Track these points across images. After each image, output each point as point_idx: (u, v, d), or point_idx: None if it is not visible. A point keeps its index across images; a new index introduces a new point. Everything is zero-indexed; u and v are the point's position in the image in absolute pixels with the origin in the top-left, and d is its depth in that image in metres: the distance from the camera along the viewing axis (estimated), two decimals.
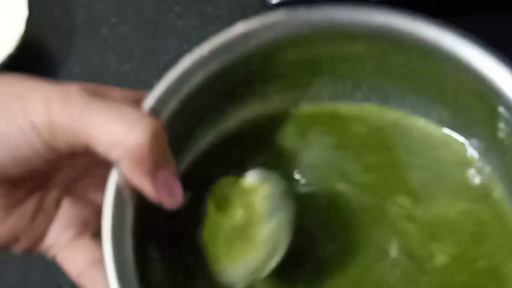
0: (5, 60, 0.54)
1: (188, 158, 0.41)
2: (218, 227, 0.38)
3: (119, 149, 0.34)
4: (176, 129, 0.38)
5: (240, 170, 0.39)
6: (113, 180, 0.36)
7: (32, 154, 0.35)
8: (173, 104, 0.38)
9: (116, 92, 0.37)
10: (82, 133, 0.34)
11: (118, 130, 0.34)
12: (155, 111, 0.37)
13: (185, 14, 0.59)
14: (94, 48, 0.59)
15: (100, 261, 0.35)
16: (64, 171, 0.38)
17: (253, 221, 0.38)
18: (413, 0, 0.59)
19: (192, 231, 0.39)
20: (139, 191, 0.36)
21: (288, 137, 0.43)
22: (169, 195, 0.36)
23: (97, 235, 0.36)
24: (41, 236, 0.38)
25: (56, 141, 0.35)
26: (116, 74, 0.57)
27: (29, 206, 0.37)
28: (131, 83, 0.56)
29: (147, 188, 0.35)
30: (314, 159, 0.42)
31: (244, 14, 0.59)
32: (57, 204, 0.38)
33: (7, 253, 0.52)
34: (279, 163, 0.42)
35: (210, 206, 0.38)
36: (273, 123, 0.42)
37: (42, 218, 0.38)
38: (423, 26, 0.40)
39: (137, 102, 0.37)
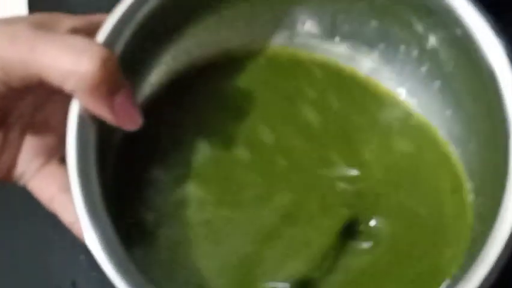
0: None
1: (146, 89, 0.42)
2: None
3: (71, 79, 0.35)
4: (132, 59, 0.39)
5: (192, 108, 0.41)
6: (74, 108, 0.37)
7: None
8: (127, 33, 0.39)
9: (68, 21, 0.38)
10: (32, 67, 0.35)
11: (67, 61, 0.35)
12: (109, 42, 0.38)
13: None
14: None
15: (69, 186, 0.37)
16: (25, 102, 0.39)
17: None
18: None
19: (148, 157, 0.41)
20: (98, 116, 0.37)
21: (244, 76, 0.43)
22: (128, 118, 0.38)
23: (64, 160, 0.38)
24: (11, 167, 0.40)
25: (9, 78, 0.36)
26: None
27: None
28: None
29: (105, 113, 0.37)
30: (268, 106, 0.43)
31: None
32: (21, 135, 0.40)
33: (7, 253, 0.52)
34: (233, 104, 0.42)
35: None
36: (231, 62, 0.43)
37: (9, 150, 0.40)
38: None
39: (90, 32, 0.39)
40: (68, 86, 0.36)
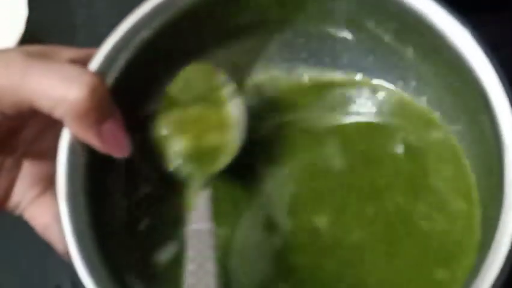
0: None
1: (140, 116, 0.42)
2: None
3: (60, 106, 0.35)
4: (127, 87, 0.39)
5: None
6: (65, 136, 0.37)
7: None
8: (121, 62, 0.39)
9: (65, 52, 0.38)
10: (23, 94, 0.35)
11: (57, 88, 0.35)
12: (102, 70, 0.38)
13: None
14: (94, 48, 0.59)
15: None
16: (24, 131, 0.39)
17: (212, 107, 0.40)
18: None
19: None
20: (88, 144, 0.37)
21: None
22: (116, 146, 0.37)
23: None
24: (7, 196, 0.40)
25: (1, 104, 0.36)
26: None
27: None
28: None
29: (93, 140, 0.37)
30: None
31: None
32: (18, 164, 0.39)
33: (7, 253, 0.52)
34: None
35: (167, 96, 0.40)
36: None
37: (5, 179, 0.39)
38: None
39: (86, 63, 0.38)
40: (57, 113, 0.36)
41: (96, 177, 0.39)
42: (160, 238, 0.41)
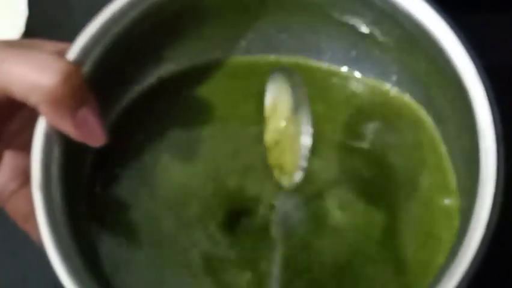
0: None
1: (118, 106, 0.43)
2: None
3: (34, 93, 0.35)
4: (104, 76, 0.40)
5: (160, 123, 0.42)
6: (40, 125, 0.37)
7: None
8: (98, 51, 0.40)
9: (48, 45, 0.38)
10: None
11: (31, 75, 0.35)
12: (79, 60, 0.39)
13: None
14: None
15: None
16: (8, 123, 0.39)
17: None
18: None
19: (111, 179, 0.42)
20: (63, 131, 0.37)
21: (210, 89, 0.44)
22: (91, 134, 0.37)
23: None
24: None
25: None
26: None
27: None
28: None
29: (68, 128, 0.37)
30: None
31: None
32: (0, 157, 0.39)
33: (7, 253, 0.52)
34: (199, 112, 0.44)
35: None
36: (195, 76, 0.44)
37: None
38: None
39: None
40: (31, 100, 0.36)
41: (72, 166, 0.39)
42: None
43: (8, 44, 0.37)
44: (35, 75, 0.35)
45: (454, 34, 0.40)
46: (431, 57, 0.41)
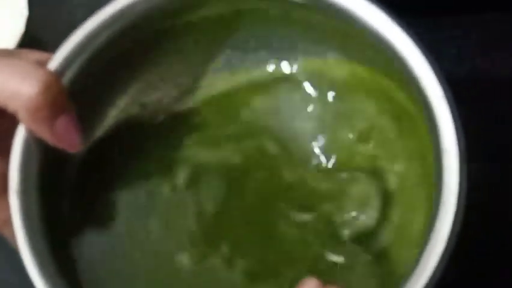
0: None
1: (101, 118, 0.44)
2: None
3: (14, 101, 0.36)
4: (85, 88, 0.40)
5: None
6: (20, 131, 0.38)
7: None
8: (79, 63, 0.40)
9: (32, 54, 0.39)
10: None
11: (11, 83, 0.36)
12: (59, 69, 0.39)
13: None
14: None
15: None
16: None
17: None
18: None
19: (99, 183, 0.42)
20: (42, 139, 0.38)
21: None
22: (68, 141, 0.38)
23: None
24: None
25: None
26: None
27: None
28: None
29: (46, 135, 0.37)
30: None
31: None
32: None
33: (7, 252, 0.52)
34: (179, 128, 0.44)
35: None
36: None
37: None
38: None
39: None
40: (11, 107, 0.37)
41: (51, 172, 0.40)
42: None
43: None
44: (15, 83, 0.36)
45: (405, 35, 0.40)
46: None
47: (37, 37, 0.58)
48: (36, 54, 0.40)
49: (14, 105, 0.36)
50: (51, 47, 0.61)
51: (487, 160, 0.53)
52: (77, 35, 0.41)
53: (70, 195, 0.42)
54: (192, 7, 0.42)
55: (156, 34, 0.43)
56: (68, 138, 0.38)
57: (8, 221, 0.39)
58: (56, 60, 0.39)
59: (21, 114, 0.37)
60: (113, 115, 0.44)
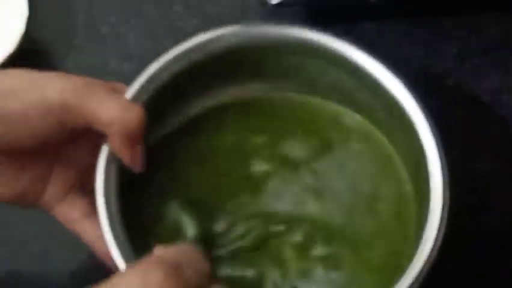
0: (5, 60, 0.54)
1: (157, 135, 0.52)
2: None
3: (116, 125, 0.45)
4: (151, 113, 0.48)
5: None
6: (104, 151, 0.47)
7: (48, 131, 0.45)
8: (150, 92, 0.49)
9: (108, 84, 0.48)
10: (87, 113, 0.45)
11: (116, 110, 0.45)
12: (135, 98, 0.48)
13: (185, 14, 0.60)
14: (94, 48, 0.59)
15: (89, 214, 0.47)
16: (66, 145, 0.48)
17: None
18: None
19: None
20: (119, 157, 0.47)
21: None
22: (139, 163, 0.48)
23: (82, 190, 0.48)
24: (41, 194, 0.48)
25: (65, 121, 0.45)
26: (116, 74, 0.57)
27: (33, 170, 0.47)
28: (130, 82, 0.56)
29: (127, 156, 0.47)
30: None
31: (244, 14, 0.60)
32: (50, 169, 0.48)
33: (7, 252, 0.52)
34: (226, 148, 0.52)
35: None
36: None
37: (42, 180, 0.48)
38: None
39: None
40: (111, 130, 0.45)
41: (124, 178, 0.48)
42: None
43: (91, 83, 0.46)
44: (119, 111, 0.45)
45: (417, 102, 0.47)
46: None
47: (37, 37, 0.58)
48: (110, 84, 0.48)
49: (115, 128, 0.45)
50: (50, 47, 0.61)
51: (487, 160, 0.53)
52: (147, 71, 0.50)
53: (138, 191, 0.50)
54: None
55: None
56: (139, 162, 0.47)
57: (77, 221, 0.48)
58: (133, 88, 0.49)
59: (115, 138, 0.46)
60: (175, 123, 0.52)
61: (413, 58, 0.57)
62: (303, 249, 0.47)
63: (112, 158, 0.47)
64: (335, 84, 0.51)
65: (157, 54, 0.57)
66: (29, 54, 0.57)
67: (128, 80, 0.56)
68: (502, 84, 0.56)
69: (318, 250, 0.47)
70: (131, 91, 0.49)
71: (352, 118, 0.51)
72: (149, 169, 0.49)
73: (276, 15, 0.59)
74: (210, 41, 0.50)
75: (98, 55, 0.58)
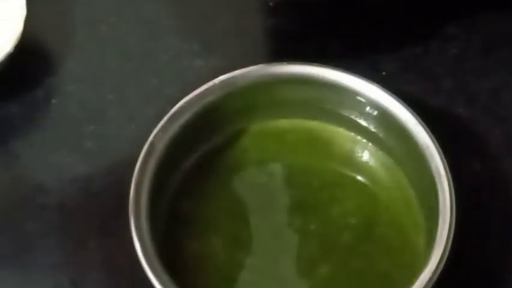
0: (4, 59, 0.54)
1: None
2: None
3: None
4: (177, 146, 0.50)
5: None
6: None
7: None
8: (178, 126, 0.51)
9: None
10: None
11: None
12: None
13: (185, 13, 0.60)
14: (94, 48, 0.59)
15: None
16: None
17: None
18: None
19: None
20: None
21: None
22: None
23: None
24: None
25: None
26: (116, 74, 0.57)
27: None
28: (130, 82, 0.56)
29: None
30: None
31: (243, 11, 0.60)
32: None
33: (7, 252, 0.52)
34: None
35: None
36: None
37: None
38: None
39: None
40: None
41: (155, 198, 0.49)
42: None
43: None
44: None
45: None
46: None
47: (36, 36, 0.58)
48: None
49: None
50: (50, 47, 0.61)
51: (487, 160, 0.54)
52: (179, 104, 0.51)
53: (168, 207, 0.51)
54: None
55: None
56: None
57: None
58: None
59: None
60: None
61: (413, 58, 0.57)
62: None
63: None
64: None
65: (157, 55, 0.58)
66: (28, 54, 0.57)
67: (129, 80, 0.57)
68: (502, 84, 0.56)
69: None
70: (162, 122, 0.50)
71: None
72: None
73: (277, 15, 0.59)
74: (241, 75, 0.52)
75: (98, 55, 0.58)
